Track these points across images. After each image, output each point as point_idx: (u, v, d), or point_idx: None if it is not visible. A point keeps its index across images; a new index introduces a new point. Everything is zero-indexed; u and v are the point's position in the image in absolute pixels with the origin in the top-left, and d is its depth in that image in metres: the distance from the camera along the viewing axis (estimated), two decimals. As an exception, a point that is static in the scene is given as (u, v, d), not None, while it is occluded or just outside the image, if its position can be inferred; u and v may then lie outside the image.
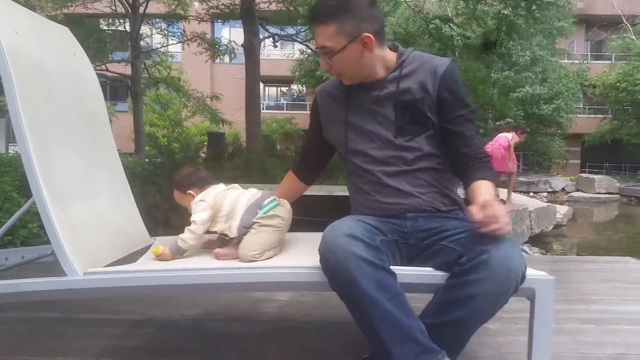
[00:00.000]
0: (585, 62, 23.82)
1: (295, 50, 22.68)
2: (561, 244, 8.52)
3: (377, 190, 1.57)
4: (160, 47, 14.52)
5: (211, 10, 11.37)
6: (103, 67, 11.30)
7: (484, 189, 1.43)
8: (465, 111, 1.54)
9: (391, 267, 1.35)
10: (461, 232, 1.45)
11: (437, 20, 9.63)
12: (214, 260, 1.61)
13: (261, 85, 16.63)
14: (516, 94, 18.61)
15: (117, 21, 12.64)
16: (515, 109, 18.66)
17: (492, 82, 17.78)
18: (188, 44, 12.57)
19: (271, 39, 11.45)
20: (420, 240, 1.51)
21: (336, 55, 1.49)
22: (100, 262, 1.58)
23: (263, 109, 19.29)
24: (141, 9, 11.11)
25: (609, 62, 24.02)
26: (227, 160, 9.34)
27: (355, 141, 1.60)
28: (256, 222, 1.59)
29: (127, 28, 11.88)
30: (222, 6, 11.05)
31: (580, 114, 23.67)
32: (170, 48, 15.18)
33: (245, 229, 1.59)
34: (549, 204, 9.97)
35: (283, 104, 29.35)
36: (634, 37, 20.96)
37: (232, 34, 18.65)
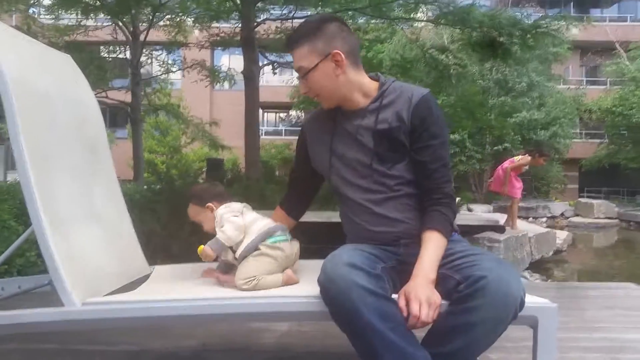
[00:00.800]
0: (582, 87, 24.04)
1: (293, 77, 22.89)
2: (562, 270, 8.45)
3: (367, 220, 1.57)
4: (160, 75, 14.65)
5: (212, 38, 11.51)
6: (103, 94, 11.38)
7: (428, 249, 1.43)
8: (434, 142, 1.54)
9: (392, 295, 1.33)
10: (458, 258, 1.44)
11: (433, 50, 9.74)
12: (213, 289, 1.60)
13: (260, 111, 16.74)
14: (513, 119, 18.74)
15: (117, 48, 12.79)
16: (512, 134, 18.75)
17: (489, 108, 17.92)
18: (188, 71, 12.69)
19: (271, 65, 11.58)
20: None
21: (310, 74, 1.54)
22: (99, 291, 1.56)
23: (262, 134, 19.44)
24: (142, 37, 11.26)
25: (604, 87, 24.26)
26: (226, 186, 9.27)
27: (338, 168, 1.62)
28: (259, 249, 1.59)
29: (128, 55, 12.02)
30: (223, 34, 11.20)
31: (577, 138, 23.78)
32: (170, 75, 15.30)
33: (248, 252, 1.58)
34: (549, 229, 9.91)
35: (282, 129, 29.51)
36: (627, 62, 21.21)
37: (231, 60, 18.84)
